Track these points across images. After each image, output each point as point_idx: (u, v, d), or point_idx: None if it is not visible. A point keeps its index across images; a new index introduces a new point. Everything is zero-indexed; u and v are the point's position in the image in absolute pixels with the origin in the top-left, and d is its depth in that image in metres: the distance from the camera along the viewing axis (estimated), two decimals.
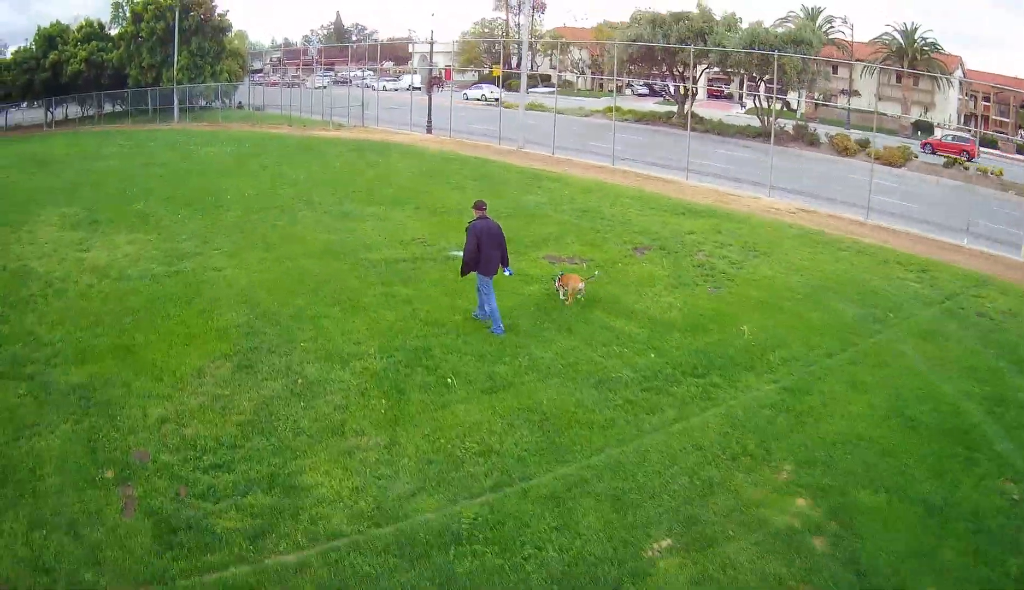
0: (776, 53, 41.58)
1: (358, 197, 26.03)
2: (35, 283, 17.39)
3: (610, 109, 60.23)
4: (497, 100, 53.24)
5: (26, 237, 21.49)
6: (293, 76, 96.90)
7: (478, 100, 67.88)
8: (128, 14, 67.50)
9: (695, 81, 56.45)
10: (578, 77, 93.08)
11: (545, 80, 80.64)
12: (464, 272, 14.57)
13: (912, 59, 63.09)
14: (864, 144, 50.69)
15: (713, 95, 71.86)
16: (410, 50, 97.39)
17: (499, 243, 14.44)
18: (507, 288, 16.22)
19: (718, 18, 52.47)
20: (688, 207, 26.53)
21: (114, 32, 69.48)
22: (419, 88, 62.19)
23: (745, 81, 60.76)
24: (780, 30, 51.13)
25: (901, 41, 64.44)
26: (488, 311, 14.61)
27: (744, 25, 53.93)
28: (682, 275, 18.71)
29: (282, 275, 17.82)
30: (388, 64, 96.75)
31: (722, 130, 51.71)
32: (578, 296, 16.12)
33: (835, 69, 62.39)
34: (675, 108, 57.37)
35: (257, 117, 60.02)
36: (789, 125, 52.31)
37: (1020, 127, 66.66)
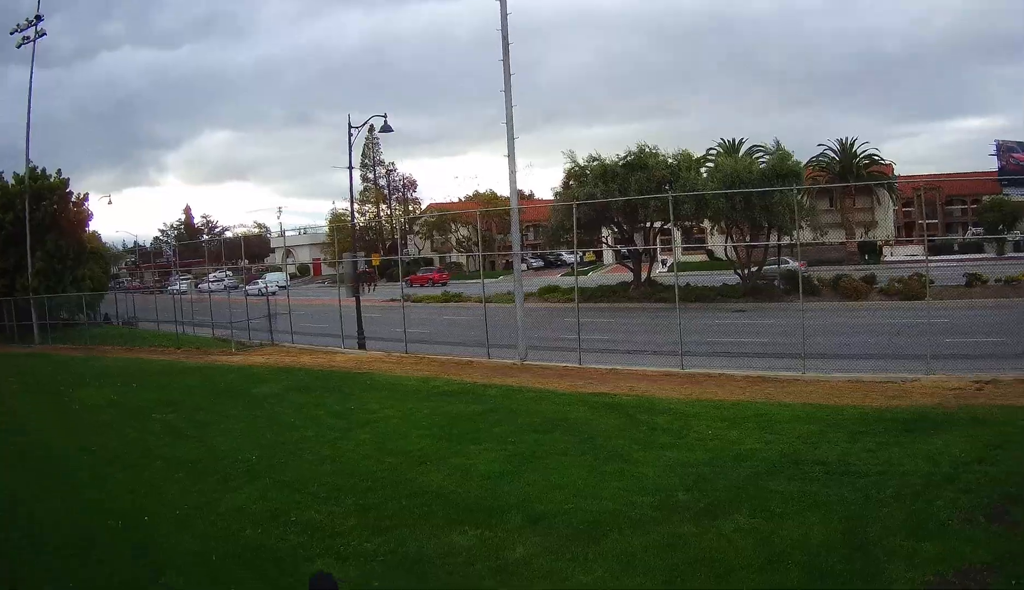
0: (780, 188, 32.89)
1: (405, 515, 13.52)
2: None
3: (550, 289, 50.82)
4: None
5: None
6: (156, 281, 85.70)
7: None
8: None
9: (654, 237, 47.28)
10: (467, 257, 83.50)
11: (428, 263, 72.41)
12: None
13: (856, 176, 56.61)
14: (870, 281, 42.28)
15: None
16: (271, 245, 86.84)
17: None
18: None
19: (670, 160, 43.69)
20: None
21: None
22: (284, 286, 51.98)
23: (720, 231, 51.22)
24: (761, 164, 42.44)
25: (837, 159, 58.60)
26: None
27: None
28: None
29: None
30: (243, 262, 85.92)
31: (691, 297, 41.98)
32: None
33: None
34: (628, 277, 47.83)
35: (133, 336, 47.33)
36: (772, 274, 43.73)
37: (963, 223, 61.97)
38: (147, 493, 15.68)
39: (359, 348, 34.66)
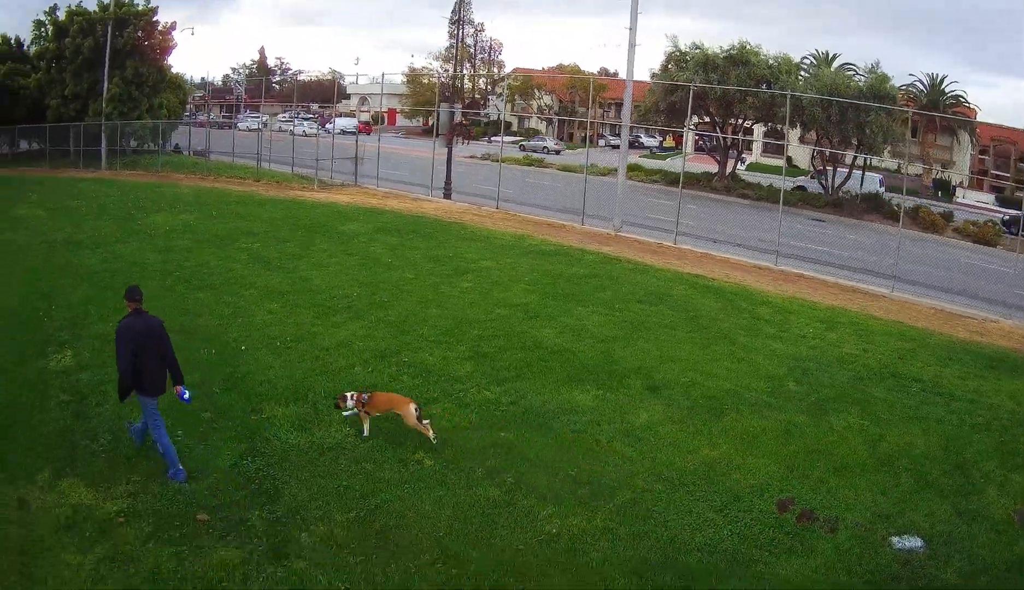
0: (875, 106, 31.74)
1: (522, 367, 13.27)
2: None
3: (633, 167, 49.90)
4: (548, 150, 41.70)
5: None
6: (224, 116, 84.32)
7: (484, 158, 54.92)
8: (50, 31, 50.84)
9: (746, 134, 46.29)
10: (547, 125, 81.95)
11: (507, 126, 70.99)
12: (123, 396, 9.36)
13: (942, 113, 54.38)
14: (947, 218, 41.19)
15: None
16: (347, 91, 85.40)
17: (162, 350, 9.44)
18: None
19: (771, 62, 42.15)
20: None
21: (34, 52, 52.73)
22: (351, 132, 50.72)
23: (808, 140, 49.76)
24: (858, 81, 40.72)
25: (925, 93, 56.18)
26: (161, 448, 9.42)
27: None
28: None
29: None
30: (314, 105, 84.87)
31: (773, 197, 41.10)
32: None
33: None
34: (709, 168, 46.98)
35: (206, 167, 43.89)
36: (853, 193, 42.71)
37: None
38: (240, 322, 15.28)
39: (445, 198, 34.20)
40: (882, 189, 44.55)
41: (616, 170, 45.52)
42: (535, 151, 60.23)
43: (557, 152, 63.56)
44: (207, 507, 8.87)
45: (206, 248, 21.79)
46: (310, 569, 7.86)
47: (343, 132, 49.95)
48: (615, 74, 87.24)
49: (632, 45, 26.66)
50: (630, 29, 26.57)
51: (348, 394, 10.68)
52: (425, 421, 10.38)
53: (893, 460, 10.64)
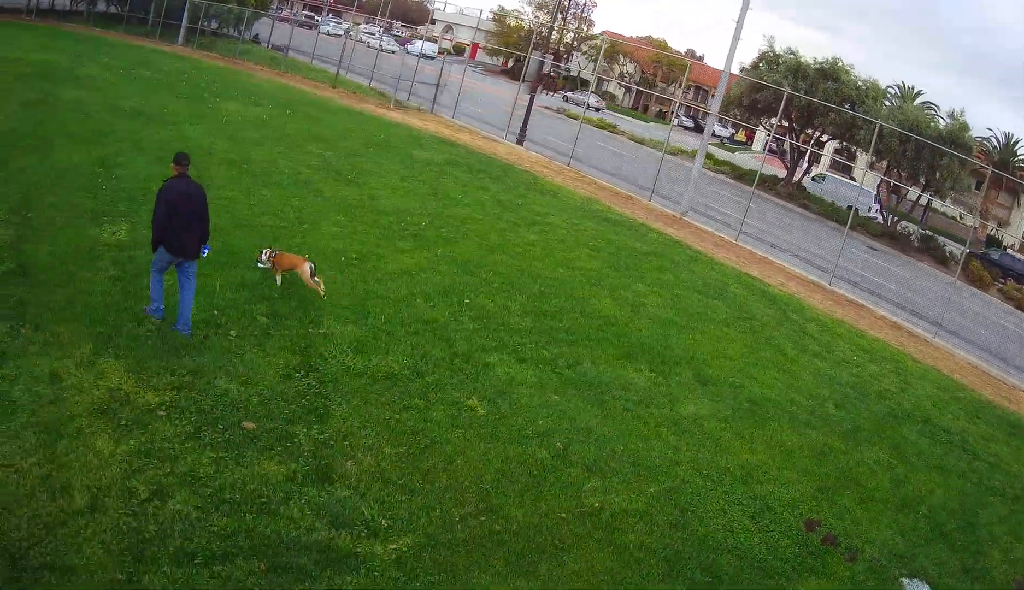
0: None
1: (580, 333, 13.55)
2: None
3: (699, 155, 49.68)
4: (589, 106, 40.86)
5: None
6: (307, 15, 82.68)
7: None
8: None
9: (818, 146, 45.96)
10: (625, 93, 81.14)
11: (584, 85, 70.04)
12: (154, 247, 9.77)
13: (1011, 172, 53.66)
14: (995, 276, 40.92)
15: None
16: (433, 16, 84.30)
17: (201, 214, 10.04)
18: None
19: (859, 84, 41.70)
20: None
21: None
22: (430, 57, 50.10)
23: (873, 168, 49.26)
24: (938, 123, 40.23)
25: (998, 149, 55.50)
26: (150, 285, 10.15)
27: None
28: None
29: None
30: (398, 23, 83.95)
31: (835, 215, 40.90)
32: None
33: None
34: (776, 171, 46.69)
35: (283, 63, 42.81)
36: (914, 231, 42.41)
37: None
38: (304, 228, 15.25)
39: (518, 144, 34.04)
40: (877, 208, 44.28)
41: (686, 151, 45.54)
42: (577, 105, 59.44)
43: (597, 110, 62.76)
44: (254, 415, 8.76)
45: (276, 146, 21.81)
46: (353, 499, 7.80)
47: (424, 56, 49.67)
48: (701, 58, 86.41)
49: (736, 39, 26.51)
50: (736, 23, 26.37)
51: (264, 250, 12.09)
52: (317, 279, 11.89)
53: (914, 504, 10.98)
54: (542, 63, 39.81)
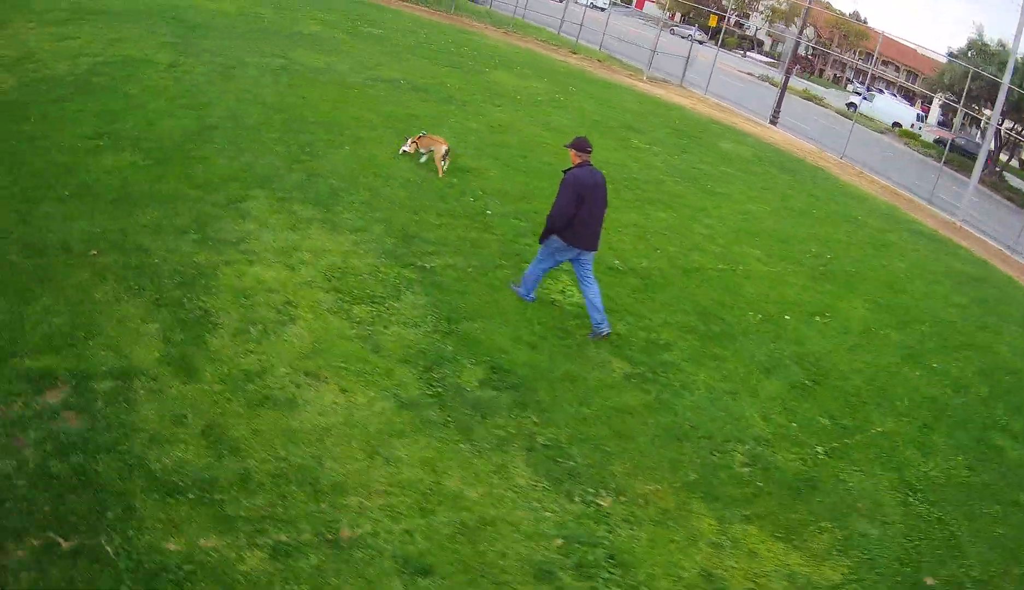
0: None
1: None
2: None
3: (906, 133, 45.88)
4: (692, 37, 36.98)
5: None
6: None
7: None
8: None
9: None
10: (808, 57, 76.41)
11: (759, 45, 65.98)
12: (545, 236, 9.11)
13: None
14: None
15: None
16: None
17: (604, 203, 9.27)
18: None
19: None
20: None
21: None
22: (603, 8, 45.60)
23: None
24: None
25: None
26: (529, 281, 9.63)
27: None
28: None
29: None
30: None
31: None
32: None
33: None
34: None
35: (505, 21, 37.26)
36: None
37: None
38: (741, 269, 13.21)
39: (771, 124, 31.04)
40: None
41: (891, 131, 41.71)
42: (683, 36, 54.52)
43: (701, 42, 58.31)
44: None
45: (606, 139, 18.55)
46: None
47: (593, 6, 45.91)
48: (864, 21, 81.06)
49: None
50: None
51: (408, 139, 13.57)
52: (445, 162, 13.07)
53: None
54: (797, 44, 36.12)
